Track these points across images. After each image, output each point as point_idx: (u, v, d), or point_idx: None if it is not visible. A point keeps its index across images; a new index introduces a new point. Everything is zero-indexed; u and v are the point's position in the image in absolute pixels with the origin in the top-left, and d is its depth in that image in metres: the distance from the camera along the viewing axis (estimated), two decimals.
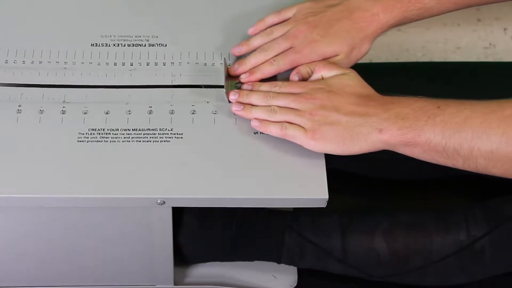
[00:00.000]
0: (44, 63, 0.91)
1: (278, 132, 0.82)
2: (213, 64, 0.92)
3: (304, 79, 0.87)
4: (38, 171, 0.81)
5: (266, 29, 0.92)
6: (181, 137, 0.85)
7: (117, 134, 0.85)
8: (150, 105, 0.87)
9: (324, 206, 0.82)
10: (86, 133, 0.84)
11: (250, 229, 0.96)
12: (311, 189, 0.82)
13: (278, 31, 0.90)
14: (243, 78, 0.88)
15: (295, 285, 1.01)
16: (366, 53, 0.90)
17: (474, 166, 0.78)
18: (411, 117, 0.79)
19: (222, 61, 0.91)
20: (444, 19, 1.69)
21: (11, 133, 0.84)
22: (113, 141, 0.84)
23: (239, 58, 0.91)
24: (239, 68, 0.89)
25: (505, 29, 1.67)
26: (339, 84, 0.84)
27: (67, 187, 0.80)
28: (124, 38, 0.94)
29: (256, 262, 1.00)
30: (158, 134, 0.85)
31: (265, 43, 0.90)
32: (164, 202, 0.81)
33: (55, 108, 0.86)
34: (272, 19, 0.93)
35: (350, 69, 0.87)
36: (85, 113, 0.86)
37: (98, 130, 0.85)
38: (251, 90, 0.86)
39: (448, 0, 0.92)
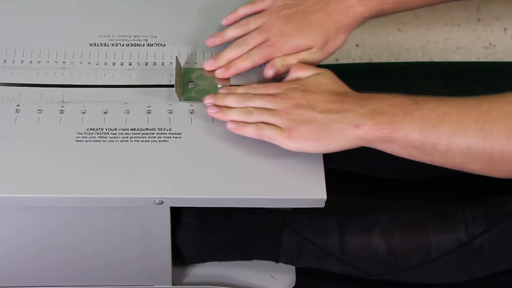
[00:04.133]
0: (42, 62, 0.91)
1: (254, 133, 0.82)
2: None
3: (278, 72, 0.87)
4: (36, 171, 0.81)
5: (240, 20, 0.92)
6: (180, 137, 0.85)
7: (116, 134, 0.85)
8: (148, 105, 0.87)
9: (322, 206, 0.82)
10: (85, 133, 0.84)
11: (249, 229, 0.96)
12: (309, 189, 0.82)
13: (253, 24, 0.90)
14: (218, 73, 0.88)
15: (294, 284, 1.01)
16: (342, 45, 0.90)
17: (451, 162, 0.78)
18: (388, 112, 0.79)
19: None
20: (444, 19, 1.69)
21: (10, 132, 0.84)
22: (111, 141, 0.84)
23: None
24: (214, 63, 0.89)
25: (505, 29, 1.67)
26: (314, 82, 0.84)
27: (65, 187, 0.80)
28: (122, 38, 0.94)
29: (254, 261, 1.00)
30: (157, 134, 0.85)
31: (240, 35, 0.90)
32: (163, 202, 0.81)
33: (54, 107, 0.86)
34: (244, 10, 0.93)
35: (325, 69, 0.86)
36: (83, 112, 0.86)
37: (97, 129, 0.85)
38: (227, 93, 0.86)
39: None
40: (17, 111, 0.86)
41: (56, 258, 0.95)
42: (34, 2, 0.98)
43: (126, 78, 0.90)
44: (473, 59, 1.62)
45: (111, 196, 0.80)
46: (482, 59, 1.62)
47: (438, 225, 0.95)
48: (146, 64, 0.92)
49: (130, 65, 0.91)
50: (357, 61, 1.66)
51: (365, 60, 1.66)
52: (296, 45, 0.88)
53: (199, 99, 0.88)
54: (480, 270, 0.96)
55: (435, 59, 1.62)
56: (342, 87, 0.84)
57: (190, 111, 0.87)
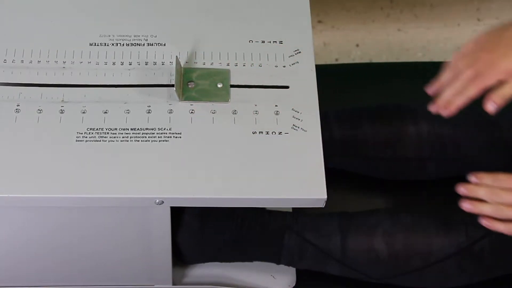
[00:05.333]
0: (42, 62, 0.91)
1: (506, 231, 0.85)
2: (211, 64, 0.92)
3: (499, 107, 0.88)
4: (36, 171, 0.81)
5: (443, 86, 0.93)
6: (180, 137, 0.85)
7: (116, 133, 0.84)
8: (148, 105, 0.87)
9: (323, 206, 0.82)
10: (85, 133, 0.84)
11: (250, 230, 0.96)
12: (310, 189, 0.81)
13: (462, 64, 0.91)
14: (442, 112, 0.90)
15: (294, 284, 1.01)
16: None
17: None
18: None
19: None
20: (444, 19, 1.69)
21: (10, 132, 0.84)
22: (111, 141, 0.84)
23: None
24: (437, 107, 0.90)
25: None
26: None
27: (65, 187, 0.80)
28: (122, 37, 0.94)
29: (254, 262, 1.00)
30: (157, 133, 0.85)
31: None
32: (163, 202, 0.81)
33: (54, 107, 0.86)
34: (447, 76, 0.93)
35: None
36: (83, 112, 0.86)
37: (97, 129, 0.85)
38: (477, 184, 0.87)
39: None
40: (17, 111, 0.86)
41: (56, 258, 0.95)
42: (34, 2, 0.98)
43: (126, 77, 0.90)
44: None
45: (111, 196, 0.80)
46: None
47: (439, 229, 0.95)
48: (146, 64, 0.91)
49: (130, 64, 0.91)
50: (357, 61, 1.66)
51: (365, 60, 1.66)
52: (507, 69, 0.88)
53: (199, 98, 0.88)
54: (481, 274, 0.96)
55: (435, 59, 1.62)
56: None
57: (190, 111, 0.87)
